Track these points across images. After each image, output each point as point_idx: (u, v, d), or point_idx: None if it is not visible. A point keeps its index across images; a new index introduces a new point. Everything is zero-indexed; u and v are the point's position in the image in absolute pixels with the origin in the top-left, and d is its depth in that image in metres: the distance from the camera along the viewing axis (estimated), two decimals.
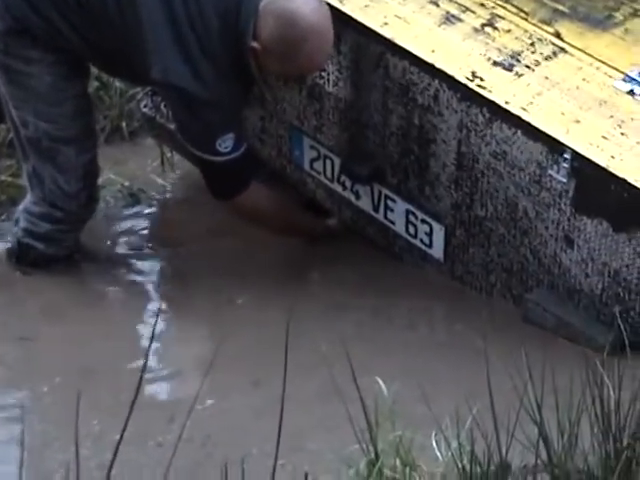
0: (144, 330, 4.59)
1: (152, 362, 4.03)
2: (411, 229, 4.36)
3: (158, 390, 4.10)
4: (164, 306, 4.71)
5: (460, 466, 2.95)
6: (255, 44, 4.18)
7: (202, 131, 4.42)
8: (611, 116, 3.85)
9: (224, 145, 4.38)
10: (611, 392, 2.89)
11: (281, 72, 4.37)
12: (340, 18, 4.22)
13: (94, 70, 5.38)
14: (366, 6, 4.24)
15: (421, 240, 4.34)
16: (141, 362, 4.14)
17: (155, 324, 4.45)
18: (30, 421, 3.51)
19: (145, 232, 5.11)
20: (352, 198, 4.52)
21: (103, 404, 3.71)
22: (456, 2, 4.23)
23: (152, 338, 3.21)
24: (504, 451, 2.85)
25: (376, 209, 4.46)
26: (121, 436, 2.08)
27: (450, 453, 3.01)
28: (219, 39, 4.27)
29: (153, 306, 4.70)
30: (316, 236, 4.79)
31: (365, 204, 4.49)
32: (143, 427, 3.32)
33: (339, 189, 4.56)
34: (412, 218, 4.34)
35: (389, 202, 4.40)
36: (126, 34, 4.33)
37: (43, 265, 4.73)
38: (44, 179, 4.57)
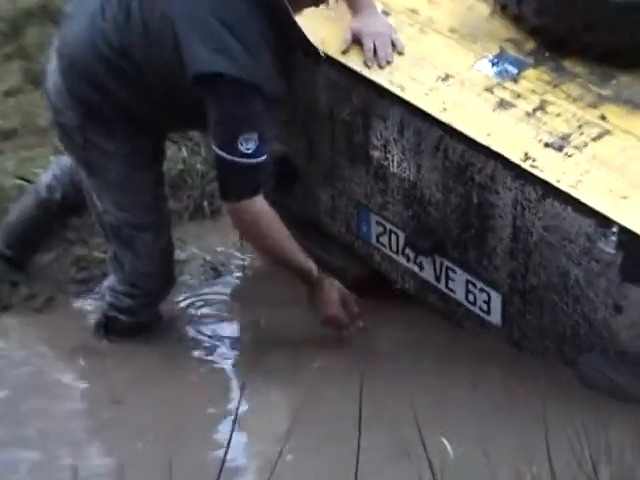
0: (228, 394, 4.57)
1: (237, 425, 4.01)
2: (470, 297, 4.34)
3: (243, 451, 4.09)
4: (245, 372, 4.66)
5: None
6: None
7: (228, 126, 4.20)
8: None
9: (246, 145, 4.19)
10: None
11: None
12: (402, 104, 4.26)
13: (177, 154, 5.49)
14: (426, 94, 4.24)
15: (480, 307, 4.32)
16: (227, 426, 4.17)
17: (242, 390, 4.41)
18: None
19: (226, 302, 5.09)
20: (416, 269, 4.50)
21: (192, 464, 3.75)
22: (509, 89, 4.22)
23: (239, 404, 3.20)
24: None
25: (438, 279, 4.44)
26: None
27: None
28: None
29: (235, 372, 4.67)
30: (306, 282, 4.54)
31: (428, 275, 4.47)
32: None
33: (403, 261, 4.54)
34: (471, 287, 4.32)
35: (450, 273, 4.38)
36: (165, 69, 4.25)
37: (128, 334, 4.73)
38: (124, 264, 4.59)
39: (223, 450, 3.55)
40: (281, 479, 3.38)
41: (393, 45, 4.44)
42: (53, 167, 4.97)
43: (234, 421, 3.66)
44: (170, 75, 4.22)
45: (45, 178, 4.97)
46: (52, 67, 4.45)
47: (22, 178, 5.39)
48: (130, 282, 4.63)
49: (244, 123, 4.19)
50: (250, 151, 4.18)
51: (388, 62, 4.39)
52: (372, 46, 4.41)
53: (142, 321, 4.75)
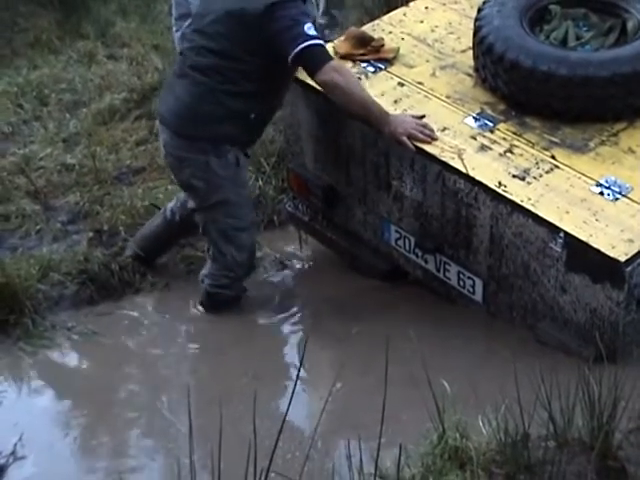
0: (294, 348, 4.61)
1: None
2: (461, 282, 4.32)
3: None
4: (302, 334, 4.68)
5: (497, 437, 2.99)
6: None
7: (294, 26, 4.06)
8: (589, 209, 3.83)
9: (311, 31, 4.07)
10: (595, 388, 2.92)
11: None
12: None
13: (255, 184, 5.48)
14: (428, 142, 4.20)
15: (467, 290, 4.30)
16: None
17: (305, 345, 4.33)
18: None
19: (290, 286, 5.07)
20: (423, 263, 4.47)
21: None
22: (487, 137, 4.19)
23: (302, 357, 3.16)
24: (526, 427, 2.88)
25: (438, 270, 4.41)
26: None
27: (491, 429, 3.05)
28: None
29: (298, 333, 4.70)
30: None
31: (431, 267, 4.44)
32: None
33: (414, 257, 4.51)
34: (462, 276, 4.30)
35: (446, 265, 4.35)
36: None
37: (223, 306, 4.72)
38: (226, 255, 4.57)
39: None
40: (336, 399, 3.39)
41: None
42: (177, 196, 4.94)
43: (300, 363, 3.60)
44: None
45: (170, 204, 4.96)
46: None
47: (153, 204, 5.37)
48: (228, 268, 4.61)
49: (301, 17, 4.09)
50: (315, 33, 4.10)
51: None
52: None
53: (234, 294, 4.72)
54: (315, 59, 4.15)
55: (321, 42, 4.16)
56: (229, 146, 4.40)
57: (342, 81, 4.14)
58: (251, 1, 4.14)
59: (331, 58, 4.20)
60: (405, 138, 4.14)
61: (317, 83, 4.23)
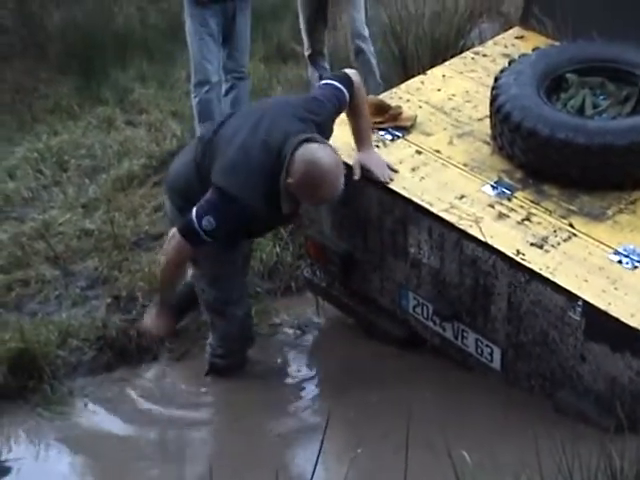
0: (316, 414, 4.57)
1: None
2: (479, 350, 4.30)
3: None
4: (320, 400, 4.66)
5: None
6: (289, 180, 3.97)
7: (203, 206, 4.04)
8: (607, 277, 3.83)
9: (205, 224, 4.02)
10: (617, 459, 2.90)
11: (305, 201, 4.15)
12: (431, 216, 4.24)
13: (273, 250, 5.49)
14: (447, 209, 4.22)
15: (485, 357, 4.28)
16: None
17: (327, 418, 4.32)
18: None
19: (309, 350, 5.07)
20: (440, 330, 4.46)
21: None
22: (505, 205, 4.21)
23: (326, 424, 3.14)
24: None
25: (456, 337, 4.39)
26: None
27: None
28: (261, 170, 4.02)
29: (314, 401, 4.67)
30: None
31: (449, 334, 4.42)
32: None
33: (431, 324, 4.49)
34: (480, 343, 4.28)
35: (464, 333, 4.34)
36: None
37: (225, 373, 4.72)
38: (217, 327, 4.62)
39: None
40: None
41: (390, 168, 4.44)
42: None
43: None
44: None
45: None
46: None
47: None
48: (223, 339, 4.66)
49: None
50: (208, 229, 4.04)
51: (391, 179, 4.38)
52: (380, 172, 4.40)
53: (232, 363, 4.73)
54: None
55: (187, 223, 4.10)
56: None
57: (166, 259, 4.26)
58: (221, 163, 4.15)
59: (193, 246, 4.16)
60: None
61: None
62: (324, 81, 4.39)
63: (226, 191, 4.03)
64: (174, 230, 4.17)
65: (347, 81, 4.32)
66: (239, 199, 4.02)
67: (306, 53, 6.94)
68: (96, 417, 4.62)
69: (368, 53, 6.66)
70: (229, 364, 4.73)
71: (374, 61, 6.69)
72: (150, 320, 4.49)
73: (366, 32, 6.66)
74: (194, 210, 4.06)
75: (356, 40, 6.64)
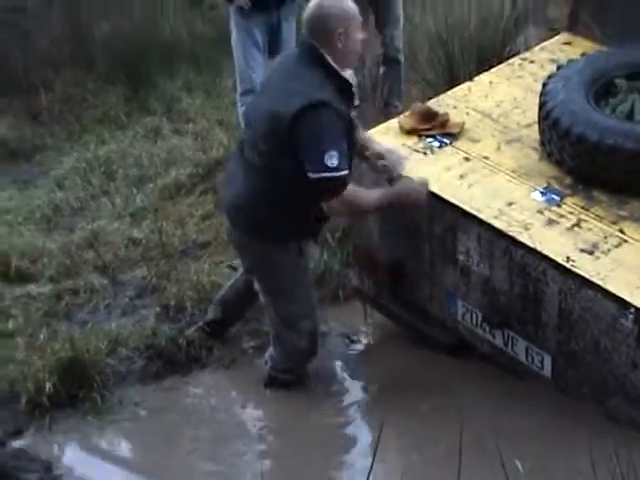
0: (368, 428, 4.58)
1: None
2: (529, 358, 4.28)
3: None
4: (370, 408, 4.65)
5: None
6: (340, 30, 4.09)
7: (316, 149, 4.04)
8: None
9: (331, 160, 4.04)
10: None
11: (353, 32, 4.17)
12: (480, 223, 4.25)
13: (321, 258, 5.50)
14: (496, 216, 4.24)
15: (536, 365, 4.26)
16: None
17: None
18: None
19: (357, 359, 5.07)
20: (490, 338, 4.45)
21: None
22: (554, 211, 4.21)
23: (380, 432, 3.06)
24: None
25: (506, 345, 4.38)
26: None
27: None
28: (311, 75, 4.13)
29: (364, 410, 4.66)
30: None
31: (498, 342, 4.41)
32: None
33: (481, 332, 4.49)
34: (530, 351, 4.27)
35: (514, 340, 4.32)
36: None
37: (284, 387, 4.69)
38: (286, 342, 4.60)
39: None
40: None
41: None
42: None
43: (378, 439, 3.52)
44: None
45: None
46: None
47: (230, 266, 5.50)
48: (289, 354, 4.63)
49: (326, 143, 4.07)
50: (335, 165, 4.06)
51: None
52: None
53: (295, 378, 4.72)
54: (326, 192, 4.17)
55: (335, 175, 4.10)
56: (292, 240, 4.44)
57: (345, 210, 4.35)
58: (287, 104, 4.10)
59: (342, 190, 4.17)
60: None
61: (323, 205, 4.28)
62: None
63: (308, 108, 4.04)
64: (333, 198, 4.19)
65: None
66: (321, 105, 4.05)
67: None
68: (146, 426, 4.64)
69: (402, 65, 6.86)
70: (291, 379, 4.71)
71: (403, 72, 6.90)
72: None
73: (401, 44, 6.82)
74: (312, 170, 4.08)
75: (394, 53, 6.81)
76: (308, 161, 4.09)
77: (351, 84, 4.29)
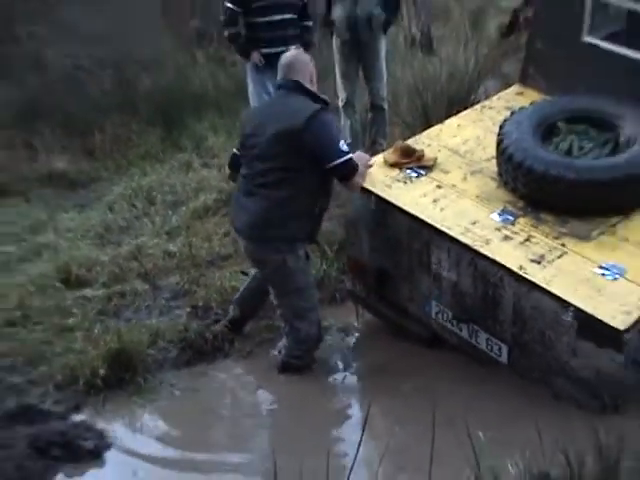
0: (357, 404, 4.55)
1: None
2: (489, 347, 4.28)
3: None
4: (362, 389, 4.65)
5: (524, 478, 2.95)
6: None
7: (331, 144, 4.24)
8: (593, 287, 3.84)
9: (344, 147, 4.27)
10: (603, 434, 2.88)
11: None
12: (450, 239, 4.25)
13: (320, 266, 5.49)
14: (463, 233, 4.24)
15: (495, 353, 4.26)
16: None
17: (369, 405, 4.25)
18: None
19: (351, 349, 5.01)
20: (458, 331, 4.44)
21: None
22: (509, 229, 4.22)
23: (368, 408, 3.00)
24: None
25: (470, 337, 4.38)
26: None
27: (517, 469, 3.02)
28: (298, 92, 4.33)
29: (357, 390, 4.66)
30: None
31: (465, 334, 4.41)
32: None
33: (450, 327, 4.48)
34: (490, 342, 4.27)
35: (478, 333, 4.33)
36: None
37: (297, 372, 4.66)
38: (300, 331, 4.58)
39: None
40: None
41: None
42: None
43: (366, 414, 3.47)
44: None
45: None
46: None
47: (243, 272, 5.45)
48: (302, 341, 4.62)
49: (336, 135, 4.31)
50: (348, 147, 4.31)
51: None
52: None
53: (305, 363, 4.69)
54: (346, 171, 4.33)
55: (350, 156, 4.32)
56: (301, 242, 4.46)
57: (362, 181, 4.45)
58: (294, 120, 4.23)
59: (356, 168, 4.34)
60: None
61: (344, 185, 4.43)
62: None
63: (313, 116, 4.22)
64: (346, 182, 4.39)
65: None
66: (321, 111, 4.27)
67: (340, 104, 6.87)
68: (180, 403, 4.64)
69: (386, 112, 6.84)
70: (301, 364, 4.68)
71: (387, 116, 6.88)
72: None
73: (385, 94, 6.78)
74: (334, 158, 4.24)
75: (379, 102, 6.79)
76: (327, 153, 4.27)
77: (328, 101, 4.48)
